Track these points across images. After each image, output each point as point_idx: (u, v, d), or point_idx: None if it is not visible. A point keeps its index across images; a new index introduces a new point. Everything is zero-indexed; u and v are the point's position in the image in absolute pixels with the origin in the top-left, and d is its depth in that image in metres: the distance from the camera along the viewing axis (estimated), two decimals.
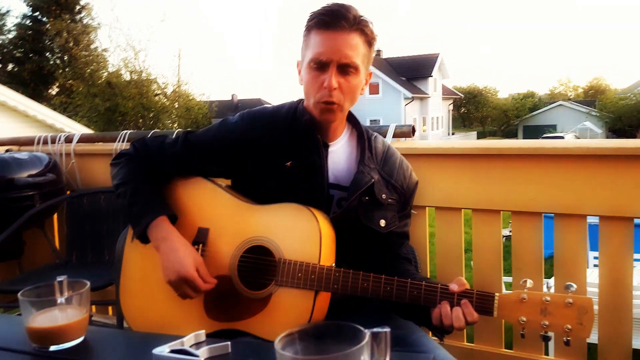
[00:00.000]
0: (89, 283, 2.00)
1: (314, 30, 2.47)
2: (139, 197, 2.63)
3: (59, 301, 1.96)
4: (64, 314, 1.95)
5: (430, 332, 3.46)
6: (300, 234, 2.42)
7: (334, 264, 2.40)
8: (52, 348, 1.90)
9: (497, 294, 2.24)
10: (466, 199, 3.79)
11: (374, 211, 2.64)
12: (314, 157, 2.61)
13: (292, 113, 2.71)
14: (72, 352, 1.91)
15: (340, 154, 2.73)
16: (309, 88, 2.55)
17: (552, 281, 3.44)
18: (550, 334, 2.18)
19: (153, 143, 2.80)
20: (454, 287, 2.28)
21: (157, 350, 1.79)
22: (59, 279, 1.99)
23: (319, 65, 2.46)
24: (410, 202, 2.89)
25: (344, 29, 2.42)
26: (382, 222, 2.65)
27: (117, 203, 2.70)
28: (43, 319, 1.92)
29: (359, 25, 2.45)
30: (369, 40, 2.52)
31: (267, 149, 2.63)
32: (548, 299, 2.15)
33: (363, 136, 2.75)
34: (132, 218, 2.64)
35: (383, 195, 2.67)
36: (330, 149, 2.69)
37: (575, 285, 2.14)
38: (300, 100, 2.74)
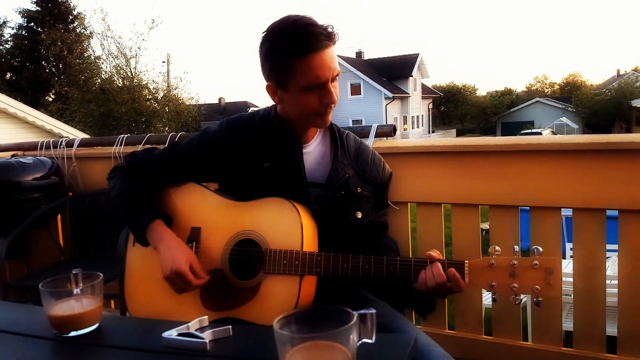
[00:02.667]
0: (102, 275, 2.09)
1: (298, 56, 2.42)
2: (135, 206, 2.73)
3: (75, 292, 2.05)
4: (80, 303, 2.03)
5: (413, 318, 3.56)
6: (283, 224, 2.51)
7: (316, 251, 2.49)
8: (72, 333, 2.00)
9: (466, 261, 2.30)
10: (446, 194, 3.82)
11: (350, 204, 2.73)
12: (290, 158, 2.69)
13: (267, 118, 2.79)
14: (89, 336, 2.01)
15: (315, 153, 2.81)
16: (305, 108, 2.56)
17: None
18: (522, 296, 2.24)
19: (143, 156, 2.91)
20: (430, 254, 2.36)
21: (167, 334, 1.89)
22: (74, 271, 2.08)
23: (316, 87, 2.48)
24: (386, 193, 2.96)
25: (325, 46, 2.43)
26: (359, 214, 2.73)
27: (117, 212, 2.77)
28: (62, 308, 2.01)
29: (332, 36, 2.46)
30: (336, 43, 2.53)
31: (245, 153, 2.71)
32: (515, 262, 2.21)
33: (335, 135, 2.83)
34: (131, 225, 2.75)
35: (358, 188, 2.75)
36: (305, 150, 2.77)
37: (541, 249, 2.21)
38: (273, 107, 2.81)
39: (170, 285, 2.58)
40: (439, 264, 2.32)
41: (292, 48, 2.43)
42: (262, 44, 2.54)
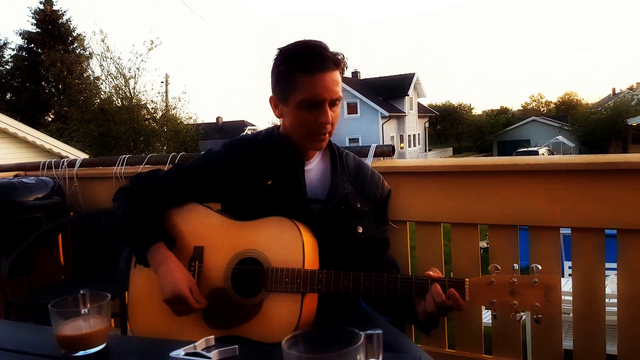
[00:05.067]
0: (109, 295, 2.10)
1: (301, 72, 2.52)
2: (138, 228, 2.75)
3: (83, 312, 2.05)
4: (88, 322, 2.04)
5: (413, 337, 3.55)
6: (284, 243, 2.53)
7: (317, 269, 2.51)
8: (80, 353, 2.00)
9: (467, 279, 2.31)
10: (445, 214, 3.83)
11: (351, 219, 2.76)
12: (292, 175, 2.73)
13: (269, 138, 2.84)
14: (97, 356, 2.01)
15: (316, 171, 2.85)
16: (300, 124, 2.64)
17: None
18: (522, 313, 2.25)
19: (148, 177, 2.95)
20: (429, 274, 2.38)
21: (174, 354, 1.88)
22: (82, 292, 2.09)
23: (312, 105, 2.55)
24: (386, 209, 3.00)
25: (330, 69, 2.53)
26: (360, 229, 2.77)
27: (120, 233, 2.81)
28: (70, 328, 2.01)
29: (340, 62, 2.57)
30: (343, 71, 2.64)
31: (248, 172, 2.75)
32: (515, 280, 2.22)
33: (335, 153, 2.88)
34: (133, 247, 2.79)
35: (358, 204, 2.79)
36: (306, 168, 2.81)
37: (540, 267, 2.22)
38: (275, 126, 2.88)
39: (170, 308, 2.60)
40: (437, 285, 2.33)
41: (298, 64, 2.55)
42: (275, 58, 2.66)
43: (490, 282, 2.26)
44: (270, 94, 2.76)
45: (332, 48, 2.59)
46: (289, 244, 2.51)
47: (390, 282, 2.42)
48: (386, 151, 4.07)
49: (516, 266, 2.28)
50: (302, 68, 2.53)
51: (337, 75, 2.57)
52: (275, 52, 2.66)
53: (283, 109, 2.70)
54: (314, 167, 2.86)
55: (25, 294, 5.06)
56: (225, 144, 2.90)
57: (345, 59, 2.62)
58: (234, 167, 2.78)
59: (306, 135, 2.66)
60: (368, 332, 1.61)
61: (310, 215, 2.69)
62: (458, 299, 2.30)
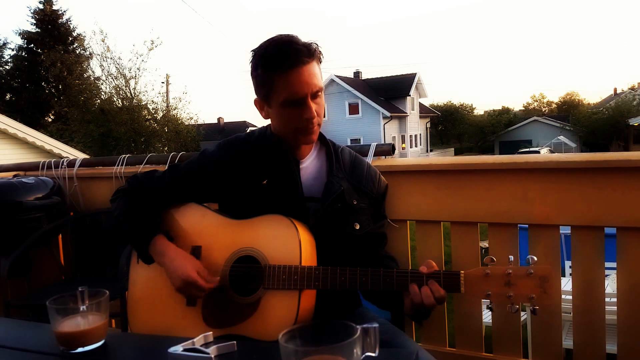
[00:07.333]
0: (107, 292, 2.11)
1: (277, 72, 2.52)
2: (136, 224, 2.79)
3: (81, 308, 2.07)
4: (86, 319, 2.06)
5: (414, 335, 3.56)
6: (281, 240, 2.54)
7: (314, 266, 2.52)
8: (78, 350, 2.01)
9: (462, 272, 2.32)
10: (445, 213, 3.82)
11: (347, 216, 2.78)
12: (287, 174, 2.75)
13: (263, 137, 2.86)
14: (95, 353, 2.03)
15: (311, 168, 2.86)
16: (286, 123, 2.67)
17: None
18: (519, 307, 2.26)
19: (145, 178, 2.97)
20: (423, 268, 2.39)
21: (172, 350, 1.90)
22: (81, 289, 2.10)
23: (294, 103, 2.56)
24: (383, 205, 3.02)
25: (304, 63, 2.51)
26: (357, 226, 2.79)
27: (119, 231, 2.83)
28: (68, 324, 2.03)
29: (314, 53, 2.56)
30: (320, 60, 2.63)
31: (243, 171, 2.78)
32: (510, 271, 2.23)
33: (330, 150, 2.89)
34: (134, 244, 2.81)
35: (354, 201, 2.80)
36: (301, 166, 2.83)
37: (535, 258, 2.25)
38: (269, 126, 2.89)
39: (183, 295, 2.65)
40: (436, 282, 2.35)
41: (271, 65, 2.54)
42: (250, 61, 2.65)
43: (486, 274, 2.28)
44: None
45: (332, 48, 2.58)
46: (285, 241, 2.52)
47: (386, 277, 2.43)
48: (386, 150, 4.06)
49: (512, 258, 2.29)
50: (276, 69, 2.53)
51: (313, 67, 2.57)
52: (250, 55, 2.66)
53: (268, 110, 2.73)
54: (309, 164, 2.87)
55: (25, 294, 5.06)
56: (220, 143, 2.93)
57: (319, 48, 2.61)
58: (229, 167, 2.80)
59: (294, 133, 2.69)
60: (364, 325, 1.63)
61: (306, 214, 2.70)
62: (435, 284, 2.35)
